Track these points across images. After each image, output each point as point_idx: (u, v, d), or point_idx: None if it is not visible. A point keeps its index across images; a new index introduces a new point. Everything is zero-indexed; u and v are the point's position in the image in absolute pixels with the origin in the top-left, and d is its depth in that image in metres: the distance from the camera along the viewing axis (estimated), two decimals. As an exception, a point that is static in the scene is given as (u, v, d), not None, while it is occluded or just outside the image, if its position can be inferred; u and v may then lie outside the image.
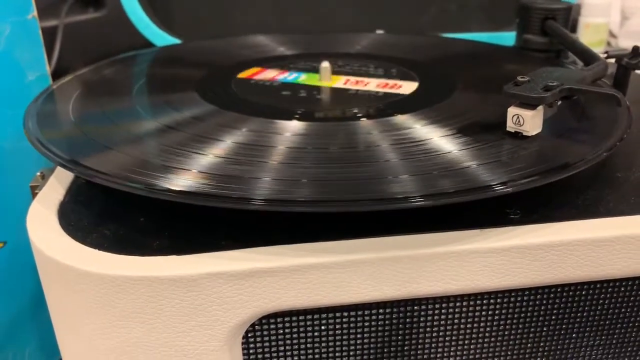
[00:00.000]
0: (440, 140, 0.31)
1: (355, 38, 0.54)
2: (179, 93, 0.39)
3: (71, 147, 0.30)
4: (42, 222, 0.28)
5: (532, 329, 0.29)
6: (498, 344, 0.29)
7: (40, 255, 0.27)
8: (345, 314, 0.27)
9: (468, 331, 0.29)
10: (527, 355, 0.30)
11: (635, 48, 0.39)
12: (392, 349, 0.28)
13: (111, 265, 0.25)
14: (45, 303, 0.48)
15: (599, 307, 0.30)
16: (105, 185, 0.27)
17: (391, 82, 0.41)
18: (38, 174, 0.34)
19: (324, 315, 0.27)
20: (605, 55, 0.44)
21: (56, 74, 0.45)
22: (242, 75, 0.43)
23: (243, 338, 0.27)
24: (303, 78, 0.42)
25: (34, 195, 0.32)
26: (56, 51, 0.58)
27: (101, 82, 0.42)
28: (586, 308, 0.29)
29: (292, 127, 0.33)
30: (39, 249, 0.27)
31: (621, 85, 0.40)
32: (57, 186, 0.31)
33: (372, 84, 0.41)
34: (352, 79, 0.42)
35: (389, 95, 0.38)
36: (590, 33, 0.77)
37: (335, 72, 0.43)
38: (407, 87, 0.40)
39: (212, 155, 0.29)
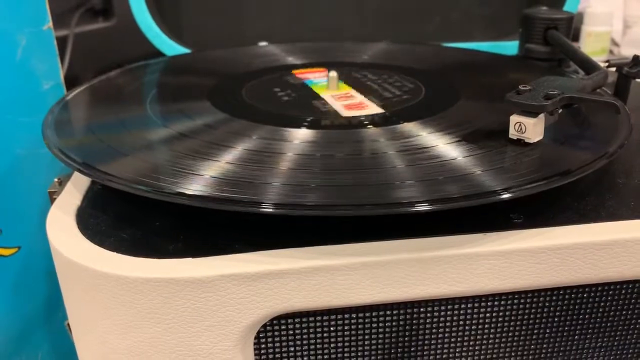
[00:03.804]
0: (445, 147, 0.32)
1: (362, 48, 0.55)
2: (191, 101, 0.40)
3: (88, 154, 0.31)
4: (61, 226, 0.29)
5: (535, 331, 0.30)
6: (502, 344, 0.30)
7: (60, 258, 0.28)
8: (354, 315, 0.28)
9: (473, 332, 0.29)
10: (530, 356, 0.31)
11: (635, 57, 0.40)
12: (399, 349, 0.29)
13: (129, 267, 0.26)
14: (58, 307, 0.49)
15: (601, 310, 0.30)
16: (121, 191, 0.28)
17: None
18: (56, 180, 0.35)
19: (333, 316, 0.28)
20: (607, 64, 0.45)
21: (67, 83, 0.47)
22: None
23: (255, 338, 0.28)
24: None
25: (52, 200, 0.33)
26: (67, 60, 0.59)
27: (114, 91, 0.43)
28: (588, 310, 0.30)
29: (301, 135, 0.34)
30: (59, 252, 0.28)
31: (622, 94, 0.41)
32: (74, 192, 0.32)
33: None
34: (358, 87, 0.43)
35: (396, 100, 0.39)
36: (593, 41, 0.78)
37: (342, 81, 0.44)
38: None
39: (224, 161, 0.30)
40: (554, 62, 0.49)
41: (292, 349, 0.28)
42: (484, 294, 0.28)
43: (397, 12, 0.65)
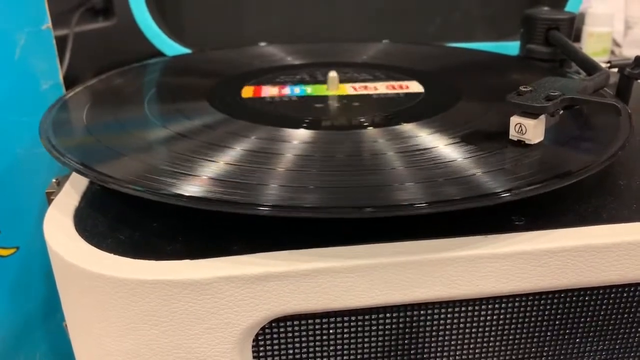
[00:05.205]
0: (445, 148, 0.32)
1: (362, 48, 0.55)
2: (190, 102, 0.40)
3: (86, 154, 0.31)
4: (59, 227, 0.29)
5: (536, 334, 0.30)
6: (502, 348, 0.30)
7: (57, 260, 0.28)
8: (353, 317, 0.28)
9: (473, 335, 0.29)
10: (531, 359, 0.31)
11: (637, 58, 0.40)
12: (399, 352, 0.29)
13: (126, 269, 0.26)
14: (56, 308, 0.49)
15: (602, 313, 0.30)
16: (119, 192, 0.28)
17: (397, 83, 0.42)
18: (53, 180, 0.34)
19: (332, 319, 0.28)
20: (608, 64, 0.45)
21: (66, 82, 0.46)
22: (246, 95, 0.42)
23: (253, 341, 0.27)
24: (309, 90, 0.43)
25: (50, 201, 0.32)
26: (66, 60, 0.59)
27: (113, 91, 0.43)
28: (589, 313, 0.30)
29: (300, 135, 0.34)
30: (56, 254, 0.27)
31: (624, 95, 0.40)
32: (72, 192, 0.32)
33: (380, 89, 0.42)
34: (359, 85, 0.43)
35: (396, 101, 0.39)
36: (594, 42, 0.78)
37: (342, 81, 0.44)
38: (414, 87, 0.41)
39: (222, 162, 0.30)
40: (556, 63, 0.49)
41: (290, 351, 0.28)
42: (485, 297, 0.28)
43: (397, 12, 0.65)
